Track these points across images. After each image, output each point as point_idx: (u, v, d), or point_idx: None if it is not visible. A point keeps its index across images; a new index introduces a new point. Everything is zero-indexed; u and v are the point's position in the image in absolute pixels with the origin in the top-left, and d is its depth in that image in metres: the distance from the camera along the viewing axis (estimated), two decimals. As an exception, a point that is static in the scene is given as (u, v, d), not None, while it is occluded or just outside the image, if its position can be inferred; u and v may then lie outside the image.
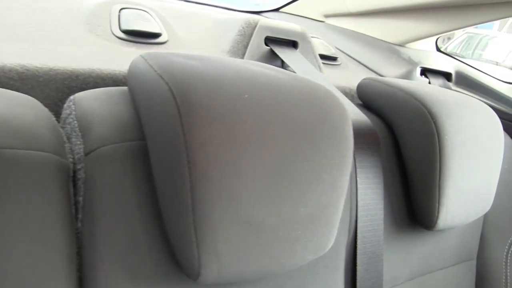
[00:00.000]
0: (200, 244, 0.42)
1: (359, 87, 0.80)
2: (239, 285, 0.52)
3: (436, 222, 0.68)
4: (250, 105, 0.44)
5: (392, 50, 1.19)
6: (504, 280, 0.93)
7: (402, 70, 1.13)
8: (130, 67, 0.53)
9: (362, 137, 0.67)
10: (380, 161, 0.68)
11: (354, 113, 0.71)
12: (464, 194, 0.70)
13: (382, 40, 1.20)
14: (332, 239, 0.52)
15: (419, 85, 0.75)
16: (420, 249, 0.77)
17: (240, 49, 0.83)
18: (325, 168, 0.48)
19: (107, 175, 0.46)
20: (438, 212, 0.68)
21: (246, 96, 0.44)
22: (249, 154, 0.42)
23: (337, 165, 0.49)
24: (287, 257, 0.48)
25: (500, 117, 1.04)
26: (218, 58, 0.52)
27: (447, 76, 1.15)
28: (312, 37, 1.03)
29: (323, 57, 1.01)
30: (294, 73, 0.54)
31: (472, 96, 1.07)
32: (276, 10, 1.39)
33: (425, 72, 1.13)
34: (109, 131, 0.48)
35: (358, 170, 0.65)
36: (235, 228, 0.43)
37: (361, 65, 1.16)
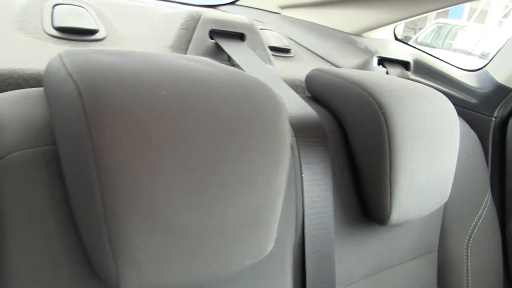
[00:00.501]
0: (116, 254, 0.38)
1: (308, 78, 0.77)
2: None
3: (389, 217, 0.65)
4: (168, 102, 0.40)
5: (349, 40, 1.16)
6: (465, 271, 0.91)
7: (358, 60, 1.10)
8: (46, 66, 0.49)
9: (307, 131, 0.64)
10: (328, 156, 0.65)
11: (300, 106, 0.68)
12: (418, 187, 0.67)
13: (338, 30, 1.17)
14: (270, 242, 0.49)
15: (369, 74, 0.72)
16: (376, 245, 0.75)
17: (183, 43, 0.79)
18: (258, 166, 0.45)
19: (17, 183, 0.42)
20: (391, 207, 0.65)
21: (164, 93, 0.41)
22: (167, 155, 0.39)
23: (271, 163, 0.46)
24: (219, 264, 0.44)
25: (458, 105, 1.02)
26: (145, 54, 0.48)
27: (405, 65, 1.13)
28: (263, 29, 1.00)
29: (275, 49, 0.98)
30: (227, 67, 0.51)
31: (430, 85, 1.05)
32: (232, 3, 1.36)
33: (382, 61, 1.10)
34: (20, 136, 0.44)
35: (303, 166, 0.61)
36: (155, 236, 0.39)
37: (317, 57, 1.13)
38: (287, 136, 0.48)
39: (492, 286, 0.98)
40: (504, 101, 0.98)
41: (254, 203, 0.45)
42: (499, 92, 0.98)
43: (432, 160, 0.69)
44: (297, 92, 0.75)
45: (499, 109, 0.99)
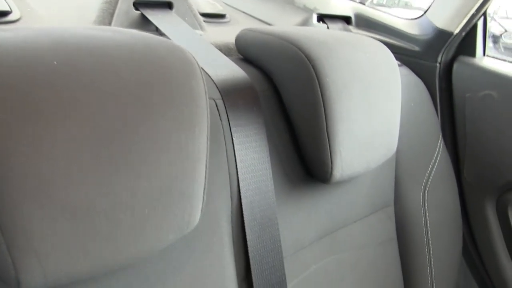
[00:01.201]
0: (10, 246, 0.34)
1: (237, 40, 0.73)
2: (86, 284, 0.44)
3: (331, 174, 0.63)
4: (59, 72, 0.36)
5: (287, 0, 1.12)
6: (423, 222, 0.90)
7: (297, 19, 1.07)
8: None
9: (236, 93, 0.60)
10: (260, 116, 0.61)
11: (229, 69, 0.64)
12: (360, 139, 0.65)
13: (274, -9, 1.13)
14: (196, 212, 0.45)
15: (298, 29, 0.69)
16: (325, 205, 0.72)
17: (107, 17, 0.75)
18: (169, 132, 0.41)
19: None
20: (332, 162, 0.62)
21: (55, 63, 0.36)
22: (58, 129, 0.35)
23: (185, 128, 0.42)
24: (137, 243, 0.41)
25: (402, 54, 1.00)
26: (43, 28, 0.43)
27: (346, 20, 1.11)
28: None
29: (208, 15, 0.93)
30: (139, 33, 0.46)
31: (373, 37, 1.02)
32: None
33: (323, 18, 1.07)
34: None
35: (233, 129, 0.58)
36: (53, 220, 0.35)
37: (254, 20, 1.09)
38: (202, 98, 0.44)
39: (451, 234, 0.97)
40: (446, 45, 0.96)
41: (170, 171, 0.41)
42: (440, 37, 0.96)
43: (372, 110, 0.66)
44: (231, 56, 0.71)
45: (442, 54, 0.97)
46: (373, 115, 0.67)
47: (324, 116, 0.60)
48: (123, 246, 0.40)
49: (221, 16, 0.98)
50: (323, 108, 0.60)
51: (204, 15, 0.90)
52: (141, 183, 0.39)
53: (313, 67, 0.59)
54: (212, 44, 0.73)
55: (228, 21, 0.98)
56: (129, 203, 0.39)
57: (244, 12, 1.11)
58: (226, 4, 1.11)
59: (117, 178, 0.38)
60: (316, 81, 0.59)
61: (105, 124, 0.37)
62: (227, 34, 0.86)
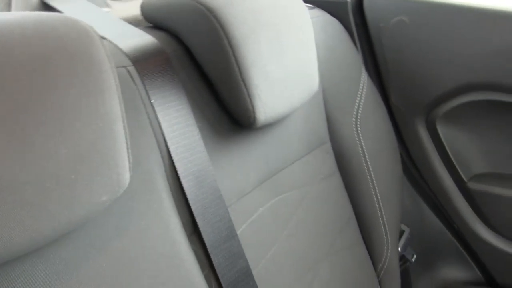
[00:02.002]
0: None
1: (142, 9, 0.74)
2: (30, 257, 0.46)
3: (255, 118, 0.65)
4: None
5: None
6: (361, 151, 0.95)
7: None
8: None
9: (146, 58, 0.61)
10: (174, 75, 0.63)
11: (136, 37, 0.65)
12: (277, 81, 0.67)
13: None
14: (124, 172, 0.47)
15: None
16: (260, 150, 0.75)
17: (4, 8, 0.74)
18: (79, 98, 0.42)
19: None
20: (253, 107, 0.65)
21: None
22: None
23: (92, 92, 0.44)
24: (71, 210, 0.42)
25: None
26: None
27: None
28: None
29: None
30: (27, 12, 0.47)
31: None
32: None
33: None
34: None
35: (150, 92, 0.59)
36: None
37: None
38: (105, 64, 0.45)
39: (389, 156, 1.03)
40: (352, -20, 0.99)
41: (87, 135, 0.43)
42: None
43: (285, 52, 0.69)
44: (140, 26, 0.72)
45: None
46: (287, 57, 0.69)
47: (235, 63, 0.62)
48: (58, 214, 0.41)
49: None
50: (233, 57, 0.62)
51: (111, -8, 0.90)
52: (61, 150, 0.41)
53: (215, 17, 0.61)
54: (120, 19, 0.74)
55: None
56: (53, 171, 0.40)
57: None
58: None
59: (35, 149, 0.39)
60: (221, 31, 0.61)
61: (8, 102, 0.38)
62: (135, 8, 0.87)
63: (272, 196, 0.77)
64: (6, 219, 0.38)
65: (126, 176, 0.48)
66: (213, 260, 0.63)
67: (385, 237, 0.99)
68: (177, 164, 0.60)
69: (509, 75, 0.88)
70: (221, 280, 0.64)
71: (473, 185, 1.04)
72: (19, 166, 0.38)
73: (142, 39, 0.65)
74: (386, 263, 1.00)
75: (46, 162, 0.40)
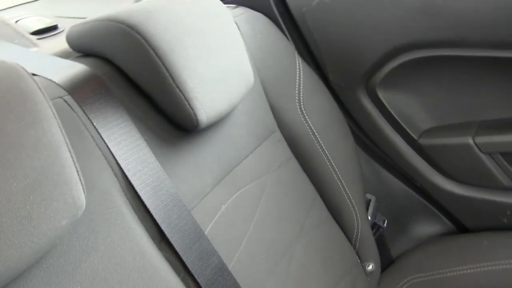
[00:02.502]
0: None
1: (68, 40, 0.75)
2: None
3: (197, 119, 0.67)
4: None
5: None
6: (310, 131, 0.98)
7: (127, 2, 1.09)
8: None
9: (81, 84, 0.63)
10: (111, 96, 0.65)
11: (67, 67, 0.67)
12: (211, 80, 0.70)
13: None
14: (79, 195, 0.49)
15: (122, 6, 0.72)
16: (211, 150, 0.77)
17: None
18: (19, 131, 0.44)
19: None
20: (193, 109, 0.67)
21: None
22: None
23: (33, 125, 0.45)
24: (34, 238, 0.44)
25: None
26: None
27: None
28: (21, 19, 0.96)
29: (39, 32, 0.94)
30: None
31: None
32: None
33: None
34: None
35: (91, 116, 0.61)
36: None
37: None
38: (38, 96, 0.47)
39: (339, 130, 1.07)
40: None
41: (35, 165, 0.44)
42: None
43: (213, 52, 0.71)
44: (71, 57, 0.73)
45: None
46: (216, 57, 0.72)
47: (167, 72, 0.64)
48: (21, 246, 0.43)
49: (53, 28, 0.98)
50: (163, 66, 0.64)
51: (35, 33, 0.91)
52: (11, 184, 0.42)
53: (138, 33, 0.63)
54: (50, 54, 0.75)
55: (62, 31, 0.99)
56: (7, 206, 0.42)
57: (76, 17, 1.12)
58: (57, 16, 1.11)
59: None
60: (146, 44, 0.63)
61: None
62: (63, 42, 0.88)
63: (233, 192, 0.79)
64: None
65: (82, 198, 0.49)
66: (186, 262, 0.65)
67: (352, 209, 1.02)
68: (131, 179, 0.62)
69: (430, 31, 0.92)
70: (198, 280, 0.66)
71: (424, 141, 1.09)
72: None
73: (74, 69, 0.66)
74: (359, 234, 1.03)
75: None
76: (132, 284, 0.57)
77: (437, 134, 1.09)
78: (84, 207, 0.50)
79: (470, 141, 1.03)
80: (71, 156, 0.49)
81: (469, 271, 1.02)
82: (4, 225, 0.42)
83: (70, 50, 0.79)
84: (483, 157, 1.04)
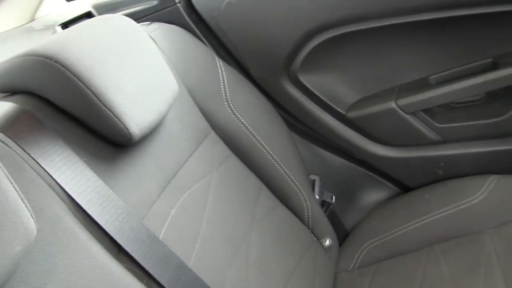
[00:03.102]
0: None
1: None
2: None
3: (130, 133, 0.70)
4: None
5: (27, 29, 1.16)
6: (243, 126, 1.01)
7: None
8: None
9: (12, 122, 0.65)
10: (44, 127, 0.66)
11: None
12: (136, 94, 0.72)
13: (12, 29, 1.16)
14: (28, 221, 0.50)
15: (39, 40, 0.75)
16: (151, 160, 0.79)
17: None
18: None
19: None
20: (124, 124, 0.69)
21: None
22: None
23: None
24: None
25: (148, 14, 1.10)
26: None
27: (88, 15, 1.16)
28: None
29: None
30: None
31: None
32: None
33: (67, 25, 1.12)
34: None
35: (27, 149, 0.62)
36: None
37: None
38: None
39: (271, 120, 1.11)
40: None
41: None
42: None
43: (133, 68, 0.74)
44: None
45: None
46: (137, 73, 0.75)
47: (92, 94, 0.67)
48: None
49: None
50: (87, 89, 0.66)
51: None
52: None
53: (57, 62, 0.65)
54: None
55: None
56: None
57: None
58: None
59: None
60: (67, 72, 0.65)
61: None
62: None
63: (179, 195, 0.82)
64: None
65: (31, 223, 0.51)
66: (146, 268, 0.68)
67: (298, 191, 1.07)
68: (78, 200, 0.64)
69: (335, 11, 0.99)
70: (161, 282, 0.68)
71: (352, 114, 1.16)
72: None
73: (2, 108, 0.67)
74: (310, 213, 1.08)
75: None
76: None
77: (362, 105, 1.16)
78: (35, 231, 0.52)
79: (393, 105, 1.11)
80: (13, 187, 0.51)
81: (417, 224, 1.09)
82: None
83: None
84: (408, 117, 1.11)
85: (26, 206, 0.51)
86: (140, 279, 0.66)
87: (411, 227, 1.09)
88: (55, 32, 1.10)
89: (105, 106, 0.68)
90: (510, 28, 1.01)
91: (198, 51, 1.06)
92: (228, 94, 1.02)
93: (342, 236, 1.23)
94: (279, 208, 1.03)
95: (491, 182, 1.06)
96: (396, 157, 1.20)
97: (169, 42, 1.01)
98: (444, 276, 0.95)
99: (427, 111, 1.11)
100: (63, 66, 0.65)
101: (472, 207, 1.05)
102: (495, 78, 1.01)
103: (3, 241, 0.47)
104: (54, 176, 0.64)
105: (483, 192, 1.05)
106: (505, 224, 0.99)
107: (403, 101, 1.10)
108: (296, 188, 1.06)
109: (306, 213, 1.08)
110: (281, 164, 1.05)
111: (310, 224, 1.08)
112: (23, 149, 0.63)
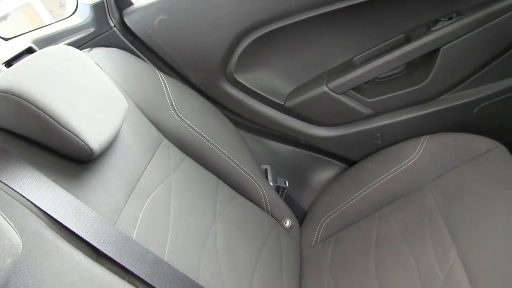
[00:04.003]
0: None
1: None
2: None
3: (91, 148, 0.76)
4: None
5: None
6: (194, 132, 1.09)
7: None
8: None
9: None
10: (11, 155, 0.72)
11: None
12: (90, 113, 0.78)
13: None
14: (13, 236, 0.55)
15: None
16: (113, 171, 0.85)
17: None
18: None
19: None
20: (84, 141, 0.75)
21: None
22: None
23: None
24: None
25: (88, 41, 1.16)
26: None
27: (30, 51, 1.21)
28: None
29: None
30: None
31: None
32: None
33: (11, 64, 1.16)
34: None
35: (5, 178, 0.69)
36: None
37: None
38: None
39: (217, 123, 1.20)
40: (107, 11, 1.14)
41: None
42: (97, 9, 1.14)
43: (83, 90, 0.80)
44: None
45: (111, 19, 1.16)
46: (88, 95, 0.81)
47: (50, 118, 0.72)
48: None
49: None
50: (45, 115, 0.72)
51: None
52: None
53: (13, 94, 0.70)
54: None
55: None
56: None
57: None
58: None
59: None
60: (23, 101, 0.70)
61: None
62: None
63: (144, 199, 0.89)
64: None
65: (16, 238, 0.56)
66: (126, 266, 0.74)
67: (253, 181, 1.15)
68: (53, 215, 0.70)
69: (259, 12, 1.09)
70: (141, 276, 0.75)
71: (289, 103, 1.26)
72: None
73: None
74: (267, 199, 1.17)
75: None
76: None
77: (298, 93, 1.27)
78: (21, 245, 0.57)
79: (325, 88, 1.21)
80: None
81: (365, 192, 1.19)
82: None
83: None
84: (340, 97, 1.22)
85: (8, 223, 0.57)
86: (121, 277, 0.72)
87: (360, 196, 1.19)
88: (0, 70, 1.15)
89: (64, 128, 0.74)
90: (412, 5, 1.13)
91: (140, 68, 1.13)
92: (174, 103, 1.09)
93: (301, 216, 1.33)
94: (237, 199, 1.11)
95: (424, 142, 1.18)
96: (337, 136, 1.31)
97: (111, 64, 1.07)
98: (396, 232, 1.06)
99: (356, 89, 1.22)
100: (20, 97, 0.71)
101: (410, 167, 1.16)
102: (409, 50, 1.14)
103: None
104: (27, 197, 0.69)
105: (417, 152, 1.17)
106: (440, 177, 1.11)
107: (333, 84, 1.21)
108: (250, 178, 1.15)
109: (263, 200, 1.16)
110: (233, 159, 1.13)
111: (269, 209, 1.17)
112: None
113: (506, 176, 1.02)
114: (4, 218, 0.57)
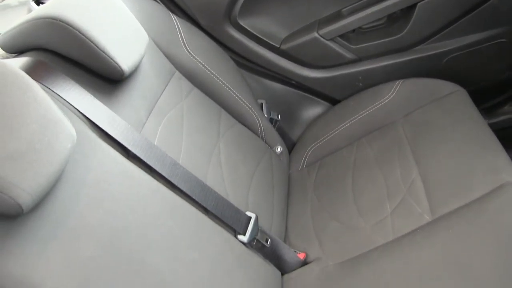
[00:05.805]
0: None
1: (2, 45, 0.96)
2: None
3: (122, 69, 0.91)
4: None
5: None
6: (201, 65, 1.25)
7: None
8: None
9: (34, 70, 0.86)
10: (58, 72, 0.87)
11: (15, 63, 0.90)
12: (120, 40, 0.94)
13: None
14: (70, 126, 0.71)
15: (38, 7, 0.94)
16: (138, 90, 1.02)
17: None
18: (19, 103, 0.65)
19: None
20: (117, 63, 0.90)
21: None
22: None
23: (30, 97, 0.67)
24: (55, 158, 0.66)
25: None
26: None
27: None
28: None
29: None
30: None
31: None
32: None
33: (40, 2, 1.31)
34: None
35: (51, 86, 0.84)
36: None
37: None
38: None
39: (222, 60, 1.37)
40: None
41: (37, 115, 0.65)
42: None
43: (115, 23, 0.96)
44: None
45: None
46: (119, 26, 0.96)
47: (91, 42, 0.87)
48: (54, 163, 0.65)
49: None
50: (87, 40, 0.87)
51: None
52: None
53: (64, 22, 0.85)
54: None
55: None
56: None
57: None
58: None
59: None
60: (71, 28, 0.86)
61: None
62: None
63: (162, 117, 1.06)
64: None
65: (71, 128, 0.72)
66: (150, 165, 0.92)
67: (251, 111, 1.33)
68: (91, 118, 0.86)
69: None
70: (163, 174, 0.93)
71: (284, 46, 1.44)
72: None
73: (21, 62, 0.88)
74: (262, 128, 1.35)
75: None
76: (118, 184, 0.82)
77: (292, 38, 1.45)
78: (75, 134, 0.74)
79: (316, 34, 1.39)
80: (56, 107, 0.73)
81: (347, 125, 1.39)
82: (38, 152, 0.64)
83: (5, 54, 1.01)
84: (329, 43, 1.40)
85: (65, 117, 0.72)
86: (147, 172, 0.91)
87: (342, 128, 1.39)
88: (30, 7, 1.30)
89: (102, 51, 0.90)
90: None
91: (155, 9, 1.28)
92: (185, 41, 1.26)
93: (291, 146, 1.53)
94: (237, 126, 1.29)
95: (398, 85, 1.37)
96: (324, 77, 1.50)
97: (131, 4, 1.23)
98: (370, 158, 1.25)
99: (343, 36, 1.41)
100: (67, 24, 0.86)
101: (385, 105, 1.36)
102: (391, 4, 1.31)
103: (59, 139, 0.68)
104: (71, 103, 0.86)
105: (392, 93, 1.36)
106: (410, 113, 1.30)
107: (323, 31, 1.39)
108: (248, 109, 1.33)
109: (259, 128, 1.35)
110: (234, 91, 1.31)
111: (263, 136, 1.36)
112: (46, 86, 0.85)
113: (463, 113, 1.21)
114: (61, 113, 0.71)
